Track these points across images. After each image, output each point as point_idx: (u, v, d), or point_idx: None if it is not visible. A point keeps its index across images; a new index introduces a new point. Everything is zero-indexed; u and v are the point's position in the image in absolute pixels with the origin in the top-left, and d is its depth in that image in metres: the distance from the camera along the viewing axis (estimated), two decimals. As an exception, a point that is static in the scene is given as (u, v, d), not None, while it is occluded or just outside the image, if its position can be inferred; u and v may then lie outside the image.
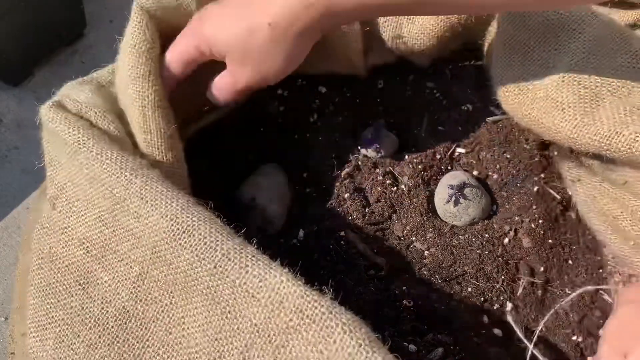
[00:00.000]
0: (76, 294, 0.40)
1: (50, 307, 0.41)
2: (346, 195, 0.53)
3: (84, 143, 0.42)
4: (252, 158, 0.56)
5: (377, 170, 0.55)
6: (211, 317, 0.35)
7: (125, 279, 0.39)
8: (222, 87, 0.48)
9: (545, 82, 0.48)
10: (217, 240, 0.36)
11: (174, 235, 0.37)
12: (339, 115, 0.58)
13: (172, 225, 0.37)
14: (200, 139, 0.55)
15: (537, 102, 0.49)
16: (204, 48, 0.46)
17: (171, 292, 0.37)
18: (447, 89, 0.60)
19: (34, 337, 0.41)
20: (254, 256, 0.36)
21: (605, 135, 0.44)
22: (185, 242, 0.36)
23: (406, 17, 0.56)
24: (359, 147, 0.57)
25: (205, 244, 0.36)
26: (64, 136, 0.42)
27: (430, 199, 0.53)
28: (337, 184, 0.54)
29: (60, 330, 0.40)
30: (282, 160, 0.57)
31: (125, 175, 0.39)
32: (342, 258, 0.50)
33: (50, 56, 1.28)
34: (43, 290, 0.42)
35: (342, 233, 0.51)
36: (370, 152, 0.56)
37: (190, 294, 0.36)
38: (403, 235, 0.51)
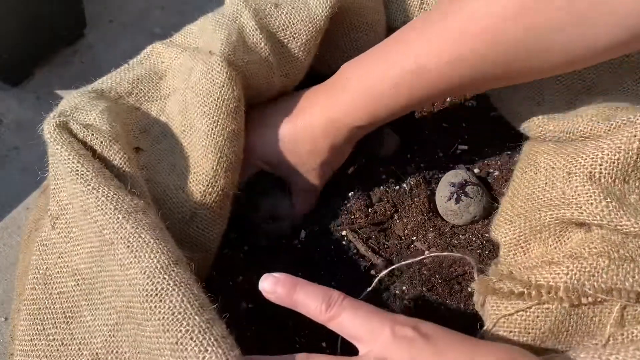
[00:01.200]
0: (60, 327, 0.39)
1: (35, 334, 0.39)
2: (349, 195, 0.53)
3: (82, 174, 0.39)
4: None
5: (380, 169, 0.54)
6: None
7: (104, 325, 0.37)
8: (302, 205, 0.53)
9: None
10: (185, 313, 0.33)
11: (147, 295, 0.34)
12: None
13: (147, 284, 0.34)
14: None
15: (519, 92, 0.51)
16: None
17: (138, 353, 0.35)
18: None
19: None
20: (217, 340, 0.32)
21: (568, 126, 0.45)
22: (156, 307, 0.33)
23: (417, 3, 0.57)
24: (360, 146, 0.57)
25: (173, 314, 0.33)
26: (63, 162, 0.40)
27: (431, 197, 0.53)
28: (340, 183, 0.54)
29: None
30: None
31: (117, 218, 0.37)
32: (342, 258, 0.50)
33: (50, 56, 1.28)
34: (33, 313, 0.40)
35: (344, 233, 0.51)
36: (371, 151, 0.56)
37: None
38: (404, 235, 0.51)
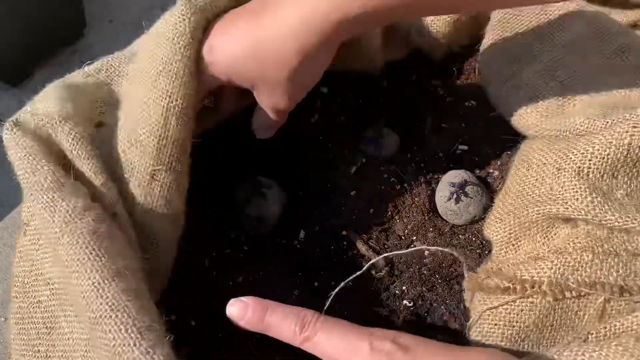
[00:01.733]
0: (43, 337, 0.38)
1: (23, 345, 0.39)
2: (350, 194, 0.53)
3: (35, 184, 0.37)
4: (251, 159, 0.56)
5: (381, 168, 0.55)
6: None
7: (80, 339, 0.35)
8: (264, 124, 0.47)
9: (526, 72, 0.51)
10: (124, 345, 0.31)
11: (91, 323, 0.32)
12: (341, 115, 0.58)
13: (87, 310, 0.32)
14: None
15: (515, 91, 0.51)
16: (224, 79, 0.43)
17: None
18: (451, 86, 0.60)
19: None
20: None
21: (565, 125, 0.46)
22: (99, 337, 0.32)
23: None
24: (361, 146, 0.57)
25: (113, 346, 0.31)
26: (16, 167, 0.39)
27: (431, 197, 0.53)
28: (340, 183, 0.54)
29: None
30: (283, 161, 0.57)
31: (55, 231, 0.35)
32: (342, 259, 0.50)
33: (50, 56, 1.28)
34: (18, 323, 0.39)
35: (344, 233, 0.51)
36: (371, 151, 0.56)
37: None
38: (404, 235, 0.51)
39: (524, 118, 0.50)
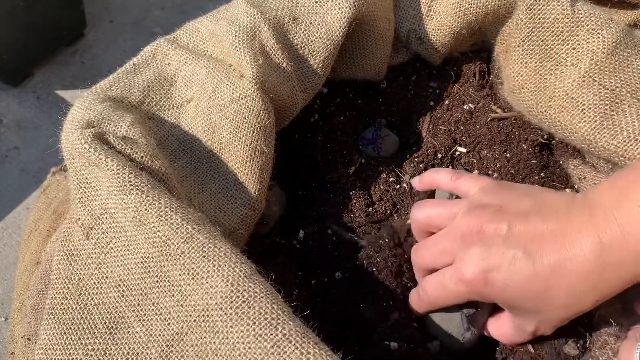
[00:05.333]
0: (101, 337, 0.38)
1: (70, 343, 0.38)
2: (350, 194, 0.53)
3: (137, 186, 0.38)
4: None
5: (380, 168, 0.55)
6: None
7: (160, 336, 0.36)
8: (504, 335, 0.43)
9: (565, 80, 0.49)
10: (279, 319, 0.33)
11: (231, 302, 0.34)
12: (341, 115, 0.59)
13: (232, 292, 0.34)
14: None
15: (555, 100, 0.49)
16: (470, 295, 0.40)
17: None
18: (449, 89, 0.60)
19: None
20: (316, 344, 0.32)
21: (623, 141, 0.45)
22: (243, 314, 0.33)
23: (425, 11, 0.56)
24: (360, 147, 0.57)
25: (265, 319, 0.33)
26: (110, 172, 0.39)
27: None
28: (339, 183, 0.54)
29: None
30: (283, 161, 0.57)
31: (187, 229, 0.36)
32: (342, 258, 0.50)
33: (50, 56, 1.28)
34: (65, 324, 0.39)
35: (343, 232, 0.51)
36: (370, 152, 0.56)
37: None
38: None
39: (570, 128, 0.48)
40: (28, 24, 1.20)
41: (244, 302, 0.33)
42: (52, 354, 0.39)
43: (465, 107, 0.59)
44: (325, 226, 0.52)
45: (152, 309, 0.37)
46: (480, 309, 0.44)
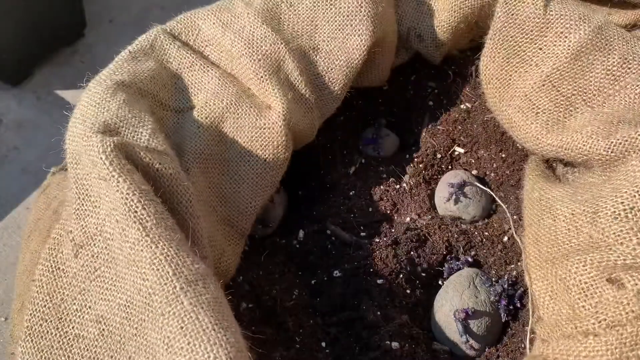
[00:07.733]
0: None
1: None
2: (350, 194, 0.53)
3: (141, 219, 0.35)
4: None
5: (380, 168, 0.55)
6: None
7: None
8: None
9: (527, 81, 0.49)
10: None
11: None
12: (341, 115, 0.58)
13: None
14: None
15: (515, 100, 0.50)
16: None
17: None
18: (447, 88, 0.60)
19: None
20: None
21: (566, 142, 0.45)
22: None
23: (423, 9, 0.57)
24: (360, 147, 0.57)
25: None
26: (117, 194, 0.35)
27: (431, 197, 0.53)
28: (340, 183, 0.54)
29: None
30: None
31: (175, 287, 0.33)
32: (341, 257, 0.50)
33: (50, 56, 1.28)
34: (42, 351, 0.37)
35: (343, 233, 0.51)
36: (370, 152, 0.56)
37: None
38: (403, 235, 0.51)
39: (523, 129, 0.49)
40: (28, 24, 1.20)
41: None
42: None
43: (462, 106, 0.59)
44: (325, 226, 0.52)
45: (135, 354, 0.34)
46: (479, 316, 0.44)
